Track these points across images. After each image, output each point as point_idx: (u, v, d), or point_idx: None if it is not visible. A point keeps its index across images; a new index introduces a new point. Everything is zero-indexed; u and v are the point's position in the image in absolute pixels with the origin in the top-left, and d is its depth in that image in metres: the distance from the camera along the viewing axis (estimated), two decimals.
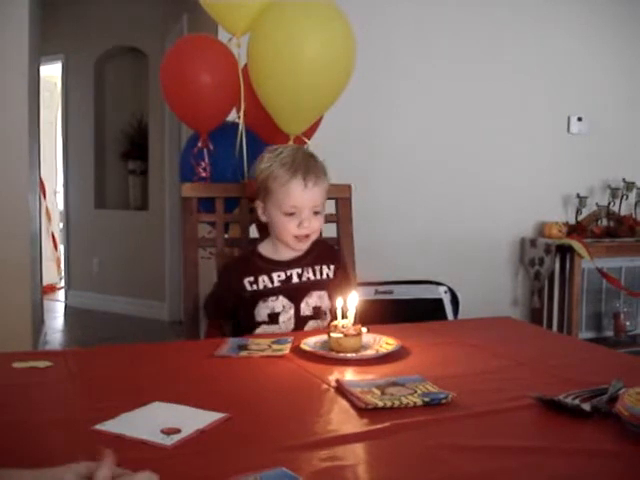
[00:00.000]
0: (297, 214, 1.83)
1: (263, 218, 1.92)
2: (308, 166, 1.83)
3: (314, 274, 1.93)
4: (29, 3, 3.52)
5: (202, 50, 2.27)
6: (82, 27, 6.12)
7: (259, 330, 1.86)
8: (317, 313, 1.91)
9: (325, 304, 1.93)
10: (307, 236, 1.87)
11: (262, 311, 1.87)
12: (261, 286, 1.87)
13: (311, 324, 1.91)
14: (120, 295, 6.09)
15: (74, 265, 6.51)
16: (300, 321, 1.89)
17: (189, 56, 2.24)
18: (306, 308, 1.90)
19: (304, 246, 1.90)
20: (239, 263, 2.00)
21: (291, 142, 2.34)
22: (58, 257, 7.36)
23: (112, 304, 6.07)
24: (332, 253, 2.02)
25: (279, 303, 1.87)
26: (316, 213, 1.86)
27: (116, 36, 6.06)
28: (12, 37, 3.42)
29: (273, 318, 1.87)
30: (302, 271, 1.91)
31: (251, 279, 1.88)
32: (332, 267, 1.97)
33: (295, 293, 1.89)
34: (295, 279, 1.90)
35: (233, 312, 1.94)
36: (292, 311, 1.88)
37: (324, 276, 1.95)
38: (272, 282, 1.88)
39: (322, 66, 2.20)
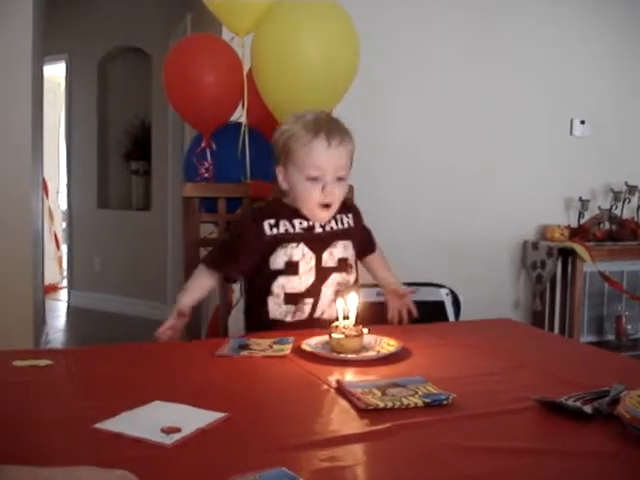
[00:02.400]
0: (320, 178, 1.75)
1: (284, 185, 1.83)
2: (332, 125, 1.76)
3: (336, 223, 1.87)
4: (33, 2, 3.52)
5: (205, 49, 2.27)
6: (86, 27, 6.13)
7: (277, 283, 1.80)
8: (342, 265, 1.84)
9: (350, 255, 1.87)
10: (330, 205, 1.80)
11: (279, 259, 1.79)
12: (282, 230, 1.80)
13: (335, 277, 1.84)
14: (122, 295, 6.09)
15: (76, 265, 6.52)
16: (322, 273, 1.81)
17: (192, 55, 2.24)
18: (329, 259, 1.83)
19: (327, 216, 1.83)
20: (260, 207, 1.95)
21: None
22: (60, 257, 7.36)
23: (114, 304, 6.07)
24: (344, 204, 1.91)
25: (299, 250, 1.79)
26: (340, 179, 1.79)
27: (120, 36, 6.07)
28: (15, 37, 3.42)
29: (291, 267, 1.79)
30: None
31: (272, 222, 1.81)
32: (350, 215, 1.92)
33: (317, 242, 1.82)
34: (318, 229, 1.84)
35: (242, 262, 1.85)
36: (313, 262, 1.81)
37: (346, 225, 1.89)
38: (294, 228, 1.81)
39: (325, 66, 2.20)
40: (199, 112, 2.27)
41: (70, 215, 6.56)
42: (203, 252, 2.24)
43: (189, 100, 2.25)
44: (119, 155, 6.40)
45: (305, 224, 1.82)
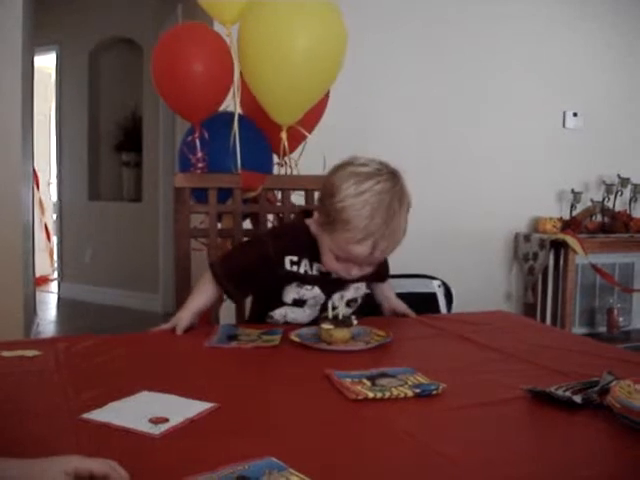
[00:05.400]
0: (349, 260, 1.64)
1: (313, 228, 1.70)
2: (385, 232, 1.56)
3: None
4: None
5: (194, 38, 2.25)
6: (77, 18, 6.10)
7: (279, 312, 1.75)
8: (348, 304, 1.77)
9: (361, 294, 1.81)
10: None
11: (290, 294, 1.73)
12: (302, 270, 1.72)
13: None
14: (113, 287, 6.07)
15: (67, 257, 6.50)
16: (326, 310, 1.66)
17: (181, 44, 2.22)
18: (337, 299, 1.74)
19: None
20: (284, 238, 1.79)
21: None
22: (51, 248, 7.34)
23: (105, 296, 6.06)
24: None
25: (311, 293, 1.73)
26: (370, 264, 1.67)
27: (111, 27, 6.04)
28: (5, 27, 3.40)
29: (298, 302, 1.74)
30: None
31: (294, 259, 1.71)
32: None
33: (331, 286, 1.74)
34: (334, 274, 1.71)
35: (250, 288, 1.80)
36: (322, 301, 1.74)
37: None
38: (312, 270, 1.73)
39: (312, 56, 2.18)
40: (188, 101, 2.25)
41: (61, 207, 6.53)
42: (194, 243, 2.23)
43: (178, 89, 2.23)
44: (110, 146, 6.38)
45: (323, 269, 1.72)
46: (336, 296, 1.75)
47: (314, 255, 1.71)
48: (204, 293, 1.77)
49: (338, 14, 2.24)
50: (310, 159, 2.45)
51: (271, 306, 1.77)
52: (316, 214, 1.70)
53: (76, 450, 0.91)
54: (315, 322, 1.72)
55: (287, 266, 1.72)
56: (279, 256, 1.71)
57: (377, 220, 1.54)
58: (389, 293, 1.99)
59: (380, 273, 1.93)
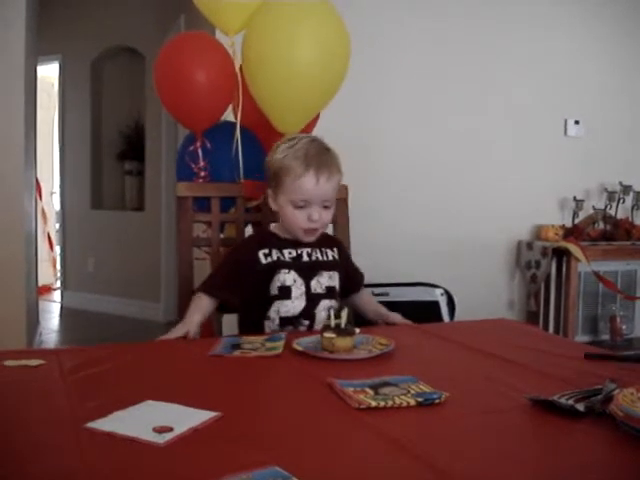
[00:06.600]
0: (307, 207, 1.84)
1: (273, 206, 1.92)
2: (321, 161, 1.82)
3: (321, 255, 1.95)
4: (26, 2, 3.51)
5: (197, 48, 2.26)
6: (79, 27, 6.12)
7: (272, 309, 1.87)
8: (331, 293, 1.92)
9: (337, 285, 1.95)
10: (316, 229, 1.90)
11: (274, 285, 1.87)
12: (275, 257, 1.89)
13: (325, 303, 1.90)
14: (116, 296, 6.08)
15: (70, 266, 6.51)
16: (312, 299, 1.89)
17: (184, 53, 2.23)
18: (317, 286, 1.90)
19: (312, 238, 1.91)
20: (253, 238, 2.05)
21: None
22: (54, 258, 7.35)
23: (107, 305, 6.06)
24: (330, 238, 2.06)
25: (290, 277, 1.87)
26: (326, 207, 1.88)
27: (113, 36, 6.06)
28: (8, 37, 3.41)
29: (284, 292, 1.87)
30: (311, 251, 1.93)
31: (266, 251, 1.89)
32: (335, 249, 2.00)
33: (305, 270, 1.90)
34: (305, 257, 1.92)
35: (240, 290, 1.92)
36: (303, 287, 1.88)
37: (330, 258, 1.97)
38: (284, 256, 1.90)
39: (316, 66, 2.19)
40: (190, 111, 2.26)
41: (63, 216, 6.55)
42: (197, 252, 2.24)
43: (180, 99, 2.24)
44: (112, 155, 6.39)
45: (294, 253, 1.92)
46: (313, 282, 1.89)
47: (281, 245, 1.92)
48: (201, 307, 1.88)
49: (342, 23, 2.26)
50: None
51: (265, 305, 1.88)
52: (269, 192, 1.92)
53: (81, 460, 0.92)
54: (305, 313, 1.87)
55: (262, 260, 1.89)
56: (254, 252, 1.90)
57: (311, 152, 1.82)
58: (380, 309, 2.08)
59: (352, 281, 2.07)
